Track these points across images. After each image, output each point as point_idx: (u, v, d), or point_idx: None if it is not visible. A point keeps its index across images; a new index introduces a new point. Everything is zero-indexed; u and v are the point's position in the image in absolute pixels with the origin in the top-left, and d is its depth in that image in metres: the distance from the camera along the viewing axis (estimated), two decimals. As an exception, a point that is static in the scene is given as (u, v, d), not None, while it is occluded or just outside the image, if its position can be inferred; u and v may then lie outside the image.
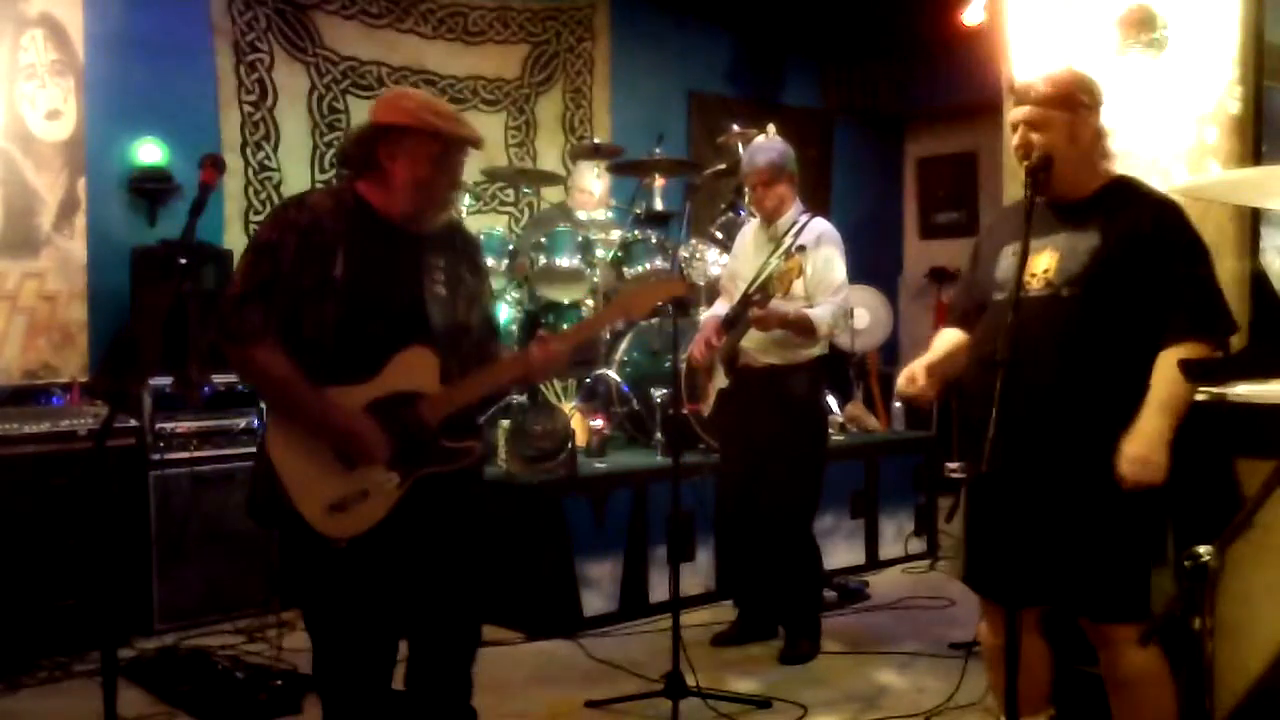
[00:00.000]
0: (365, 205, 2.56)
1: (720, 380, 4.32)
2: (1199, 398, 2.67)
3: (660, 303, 3.82)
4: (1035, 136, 2.67)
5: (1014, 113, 2.73)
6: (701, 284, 5.45)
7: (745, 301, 4.17)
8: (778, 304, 4.10)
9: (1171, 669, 2.66)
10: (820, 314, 4.13)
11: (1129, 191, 2.78)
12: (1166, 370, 2.56)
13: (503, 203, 6.54)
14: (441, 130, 2.52)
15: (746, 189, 4.56)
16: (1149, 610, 2.56)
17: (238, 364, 2.57)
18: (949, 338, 2.97)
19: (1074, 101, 2.71)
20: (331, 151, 5.95)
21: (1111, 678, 2.72)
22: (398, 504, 2.51)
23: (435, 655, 2.68)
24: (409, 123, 2.51)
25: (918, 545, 5.83)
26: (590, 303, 5.48)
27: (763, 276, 4.19)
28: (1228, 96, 3.26)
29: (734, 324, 4.23)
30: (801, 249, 4.08)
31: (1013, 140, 2.73)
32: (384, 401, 2.50)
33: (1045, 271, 2.67)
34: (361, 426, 2.47)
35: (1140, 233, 2.65)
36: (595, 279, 5.44)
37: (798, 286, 4.14)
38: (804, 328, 4.12)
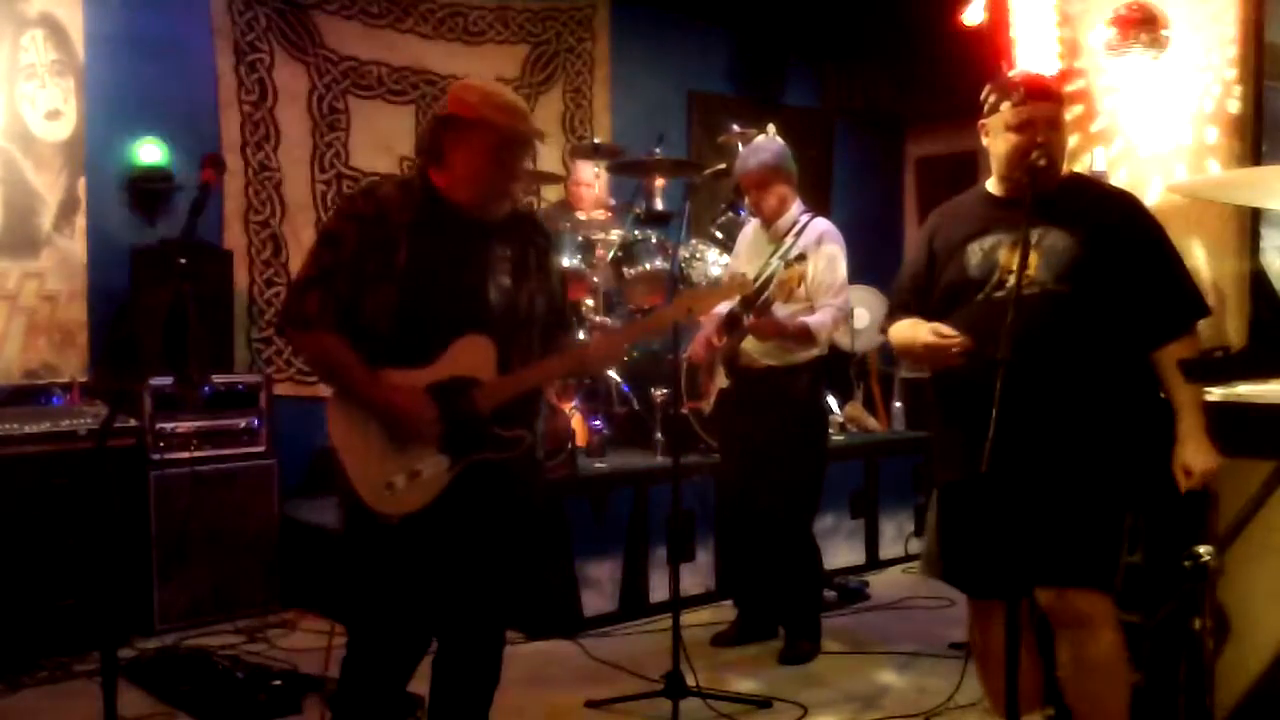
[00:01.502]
0: (434, 192, 2.62)
1: (721, 379, 4.32)
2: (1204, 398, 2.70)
3: (725, 301, 3.90)
4: (1053, 135, 2.70)
5: (1032, 111, 2.70)
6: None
7: (746, 301, 4.17)
8: (777, 308, 4.10)
9: (1170, 669, 2.67)
10: (820, 321, 4.12)
11: (1088, 186, 2.88)
12: (1178, 380, 2.65)
13: (503, 203, 6.54)
14: (498, 124, 2.57)
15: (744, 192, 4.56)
16: (1115, 582, 2.66)
17: (298, 347, 2.70)
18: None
19: (1063, 98, 2.79)
20: (331, 152, 5.95)
21: (1079, 660, 2.72)
22: (449, 487, 2.57)
23: (459, 657, 2.71)
24: (468, 115, 2.58)
25: (918, 545, 5.82)
26: (590, 302, 5.48)
27: (763, 278, 4.19)
28: (1228, 96, 3.26)
29: (735, 323, 4.22)
30: (802, 257, 4.08)
31: (1019, 140, 2.69)
32: (440, 386, 2.56)
33: (1026, 270, 2.67)
34: (412, 405, 2.53)
35: (1111, 226, 2.71)
36: (595, 279, 5.43)
37: (799, 290, 4.14)
38: (803, 337, 4.12)
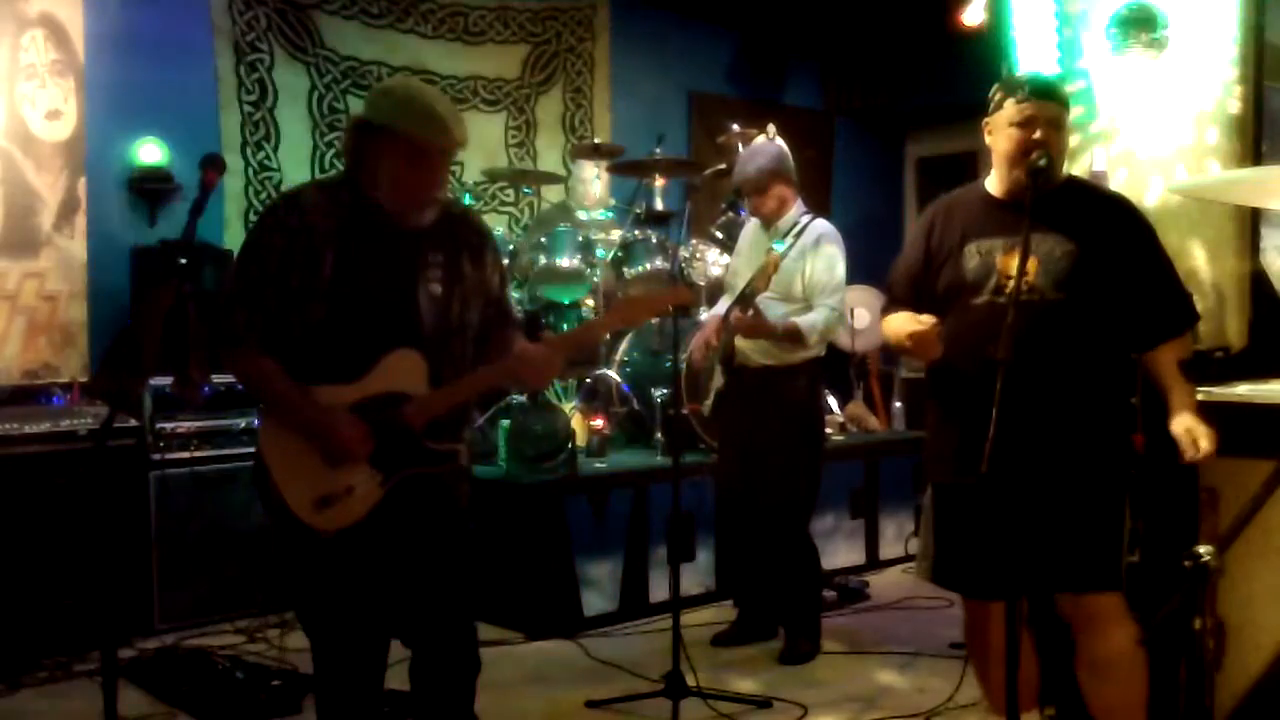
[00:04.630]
0: (362, 198, 2.54)
1: (719, 379, 4.32)
2: (1198, 398, 2.70)
3: (662, 312, 3.77)
4: (1053, 135, 2.70)
5: (1036, 108, 2.68)
6: (702, 284, 5.45)
7: (742, 300, 4.17)
8: (771, 304, 4.10)
9: (1170, 669, 2.67)
10: (810, 322, 4.12)
11: (1085, 191, 2.87)
12: (1173, 368, 2.64)
13: (503, 203, 6.54)
14: (409, 135, 2.47)
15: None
16: (1121, 581, 2.69)
17: (228, 365, 2.60)
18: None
19: (1068, 101, 2.78)
20: (332, 152, 5.96)
21: (1093, 659, 2.73)
22: (381, 501, 2.53)
23: (431, 659, 2.67)
24: (381, 122, 2.49)
25: (918, 545, 5.82)
26: (590, 302, 5.48)
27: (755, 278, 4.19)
28: (1228, 96, 3.26)
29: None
30: (783, 244, 4.08)
31: (1019, 136, 2.69)
32: (369, 402, 2.50)
33: (1025, 275, 2.67)
34: (340, 427, 2.47)
35: (1107, 233, 2.71)
36: (595, 279, 5.44)
37: (796, 288, 4.14)
38: (792, 337, 4.12)
